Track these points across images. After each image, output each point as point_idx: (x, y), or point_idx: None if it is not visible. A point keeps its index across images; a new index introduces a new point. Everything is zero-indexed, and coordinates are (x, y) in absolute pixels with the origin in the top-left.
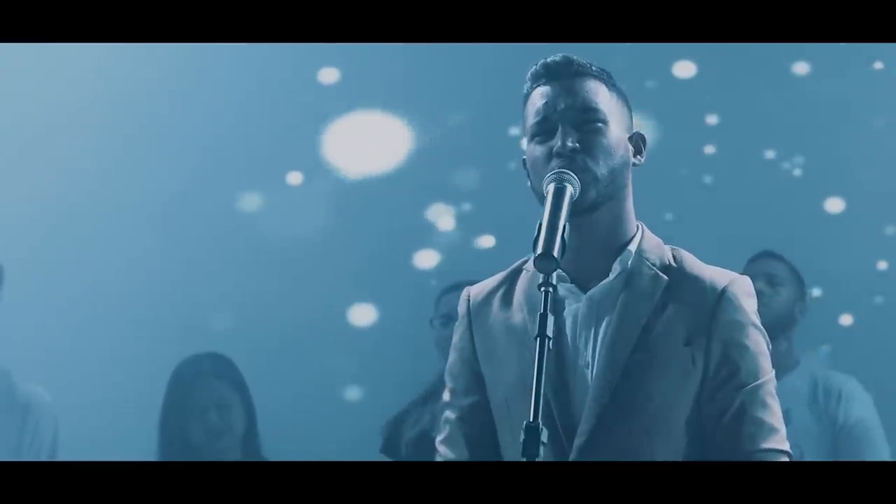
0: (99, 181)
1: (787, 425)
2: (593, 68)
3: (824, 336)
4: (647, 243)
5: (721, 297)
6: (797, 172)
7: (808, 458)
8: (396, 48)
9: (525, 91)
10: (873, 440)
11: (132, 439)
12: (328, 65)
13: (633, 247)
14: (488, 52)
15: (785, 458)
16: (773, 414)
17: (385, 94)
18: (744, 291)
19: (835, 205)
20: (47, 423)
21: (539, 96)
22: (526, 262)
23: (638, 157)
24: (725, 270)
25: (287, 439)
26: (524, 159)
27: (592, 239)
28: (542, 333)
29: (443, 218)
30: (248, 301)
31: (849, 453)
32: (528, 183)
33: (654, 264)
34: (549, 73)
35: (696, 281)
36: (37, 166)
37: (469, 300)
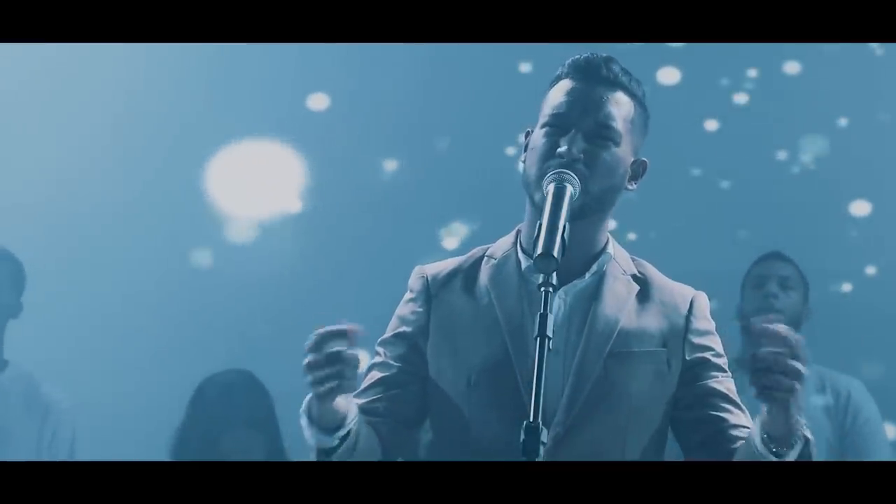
0: (114, 187)
1: None
2: (631, 81)
3: (865, 332)
4: (618, 251)
5: (692, 307)
6: (812, 169)
7: (817, 453)
8: (383, 75)
9: (558, 73)
10: (880, 439)
11: (150, 442)
12: (319, 90)
13: (609, 250)
14: (479, 75)
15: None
16: (737, 396)
17: (374, 123)
18: (706, 304)
19: (860, 207)
20: (66, 425)
21: (567, 89)
22: (486, 249)
23: (632, 183)
24: (684, 284)
25: None
26: (528, 132)
27: (571, 240)
28: (542, 333)
29: (448, 240)
30: (234, 347)
31: (857, 450)
32: (522, 159)
33: (625, 271)
34: (587, 70)
35: (664, 290)
36: (57, 171)
37: (427, 278)
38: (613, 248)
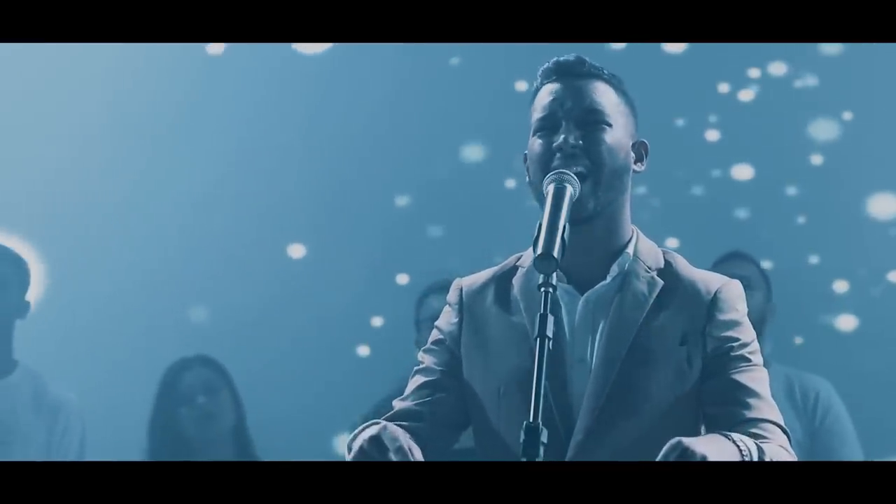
0: (127, 184)
1: None
2: (605, 72)
3: None
4: (643, 247)
5: (715, 299)
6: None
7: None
8: (375, 108)
9: (535, 87)
10: (849, 437)
11: None
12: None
13: (630, 250)
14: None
15: (781, 432)
16: (767, 389)
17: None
18: (736, 294)
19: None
20: (76, 424)
21: (547, 93)
22: (520, 258)
23: (639, 164)
24: (716, 274)
25: None
26: (525, 154)
27: (590, 242)
28: (541, 334)
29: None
30: (242, 344)
31: (827, 448)
32: (527, 179)
33: (650, 267)
34: (559, 71)
35: (690, 284)
36: (69, 169)
37: (462, 290)
38: (637, 244)
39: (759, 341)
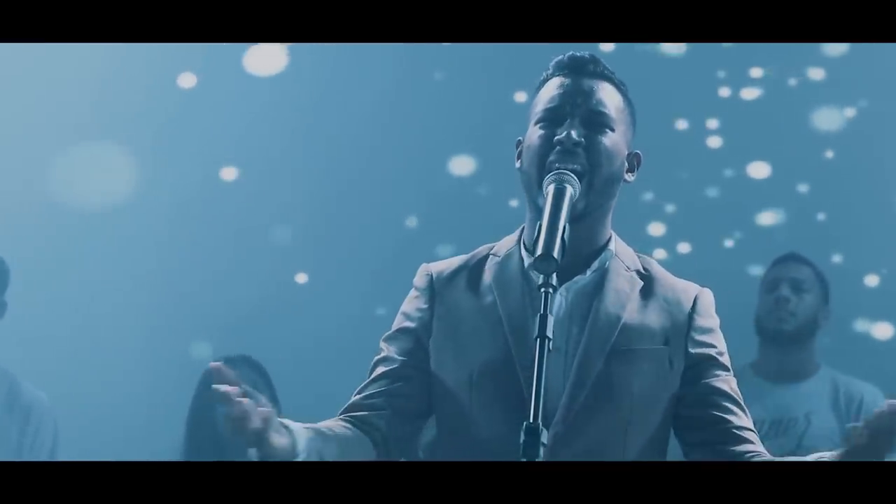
0: (103, 184)
1: (808, 427)
2: (615, 76)
3: None
4: (621, 249)
5: (696, 304)
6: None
7: (828, 458)
8: (375, 127)
9: (543, 77)
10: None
11: (133, 440)
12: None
13: (611, 247)
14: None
15: (754, 436)
16: (741, 397)
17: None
18: (710, 301)
19: None
20: (48, 425)
21: (557, 85)
22: (492, 248)
23: (630, 174)
24: (689, 281)
25: None
26: (519, 140)
27: (573, 241)
28: (542, 334)
29: None
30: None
31: None
32: (517, 164)
33: (628, 267)
34: (572, 66)
35: (669, 287)
36: (41, 170)
37: (432, 276)
38: (616, 244)
39: (811, 343)
